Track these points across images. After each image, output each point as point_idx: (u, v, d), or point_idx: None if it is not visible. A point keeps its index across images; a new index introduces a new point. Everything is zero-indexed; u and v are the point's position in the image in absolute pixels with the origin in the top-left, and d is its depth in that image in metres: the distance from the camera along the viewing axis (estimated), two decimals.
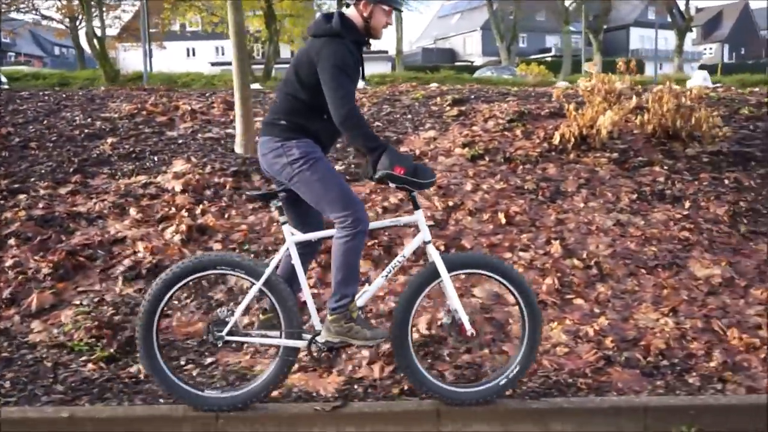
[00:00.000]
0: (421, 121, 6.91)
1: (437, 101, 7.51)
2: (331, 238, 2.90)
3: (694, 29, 62.10)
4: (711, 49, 61.62)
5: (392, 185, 2.84)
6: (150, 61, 21.75)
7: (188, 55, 49.34)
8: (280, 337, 2.92)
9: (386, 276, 3.00)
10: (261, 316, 3.06)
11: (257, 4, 23.34)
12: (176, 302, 4.00)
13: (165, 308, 2.92)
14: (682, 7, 42.87)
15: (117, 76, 23.69)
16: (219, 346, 2.95)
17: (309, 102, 2.84)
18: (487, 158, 6.11)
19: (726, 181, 6.08)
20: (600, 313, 4.09)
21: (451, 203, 5.26)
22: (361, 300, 2.96)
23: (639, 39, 54.49)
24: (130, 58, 37.91)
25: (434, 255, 2.94)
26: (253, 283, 2.88)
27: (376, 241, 4.54)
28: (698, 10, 65.50)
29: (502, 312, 3.97)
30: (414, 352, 2.98)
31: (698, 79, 10.82)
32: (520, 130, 6.67)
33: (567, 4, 41.52)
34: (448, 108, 7.22)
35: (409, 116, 7.09)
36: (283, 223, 2.95)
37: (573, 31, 53.98)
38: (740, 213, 5.55)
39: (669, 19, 42.88)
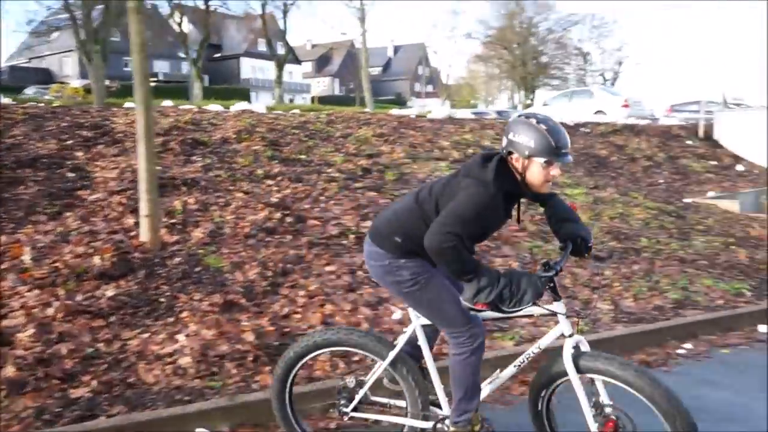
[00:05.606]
0: None
1: None
2: None
3: (307, 63, 67.89)
4: (323, 82, 67.88)
5: None
6: None
7: None
8: (405, 416, 2.98)
9: (518, 366, 2.97)
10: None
11: None
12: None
13: (295, 379, 3.09)
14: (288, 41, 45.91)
15: None
16: (344, 420, 3.06)
17: None
18: None
19: None
20: None
21: None
22: (489, 388, 2.98)
23: (250, 69, 56.96)
24: None
25: (565, 354, 2.78)
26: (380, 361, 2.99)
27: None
28: (314, 45, 72.07)
29: None
30: None
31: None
32: None
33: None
34: None
35: None
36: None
37: (183, 58, 54.10)
38: None
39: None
